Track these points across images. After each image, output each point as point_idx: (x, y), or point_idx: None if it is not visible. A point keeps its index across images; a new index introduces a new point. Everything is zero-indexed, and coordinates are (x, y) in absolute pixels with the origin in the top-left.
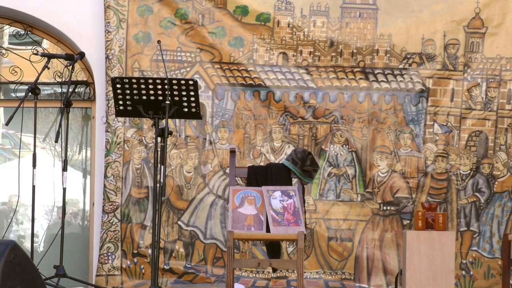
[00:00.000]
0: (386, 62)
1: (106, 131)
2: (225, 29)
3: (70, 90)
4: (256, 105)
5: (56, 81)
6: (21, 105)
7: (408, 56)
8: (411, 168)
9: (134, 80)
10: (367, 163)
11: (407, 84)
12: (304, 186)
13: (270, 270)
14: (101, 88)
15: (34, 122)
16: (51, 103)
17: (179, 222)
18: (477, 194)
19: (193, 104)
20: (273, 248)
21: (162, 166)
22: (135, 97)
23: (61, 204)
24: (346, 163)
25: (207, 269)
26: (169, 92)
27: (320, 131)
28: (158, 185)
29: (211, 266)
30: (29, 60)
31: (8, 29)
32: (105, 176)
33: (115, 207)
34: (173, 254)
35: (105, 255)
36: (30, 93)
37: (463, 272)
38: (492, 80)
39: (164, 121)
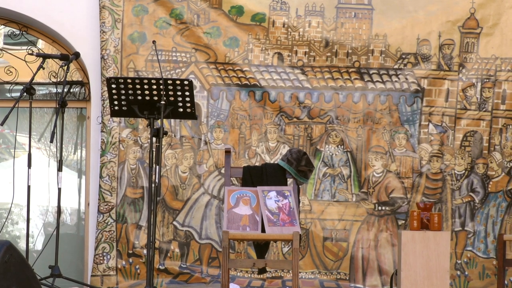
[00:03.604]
0: (381, 62)
1: (101, 131)
2: (220, 29)
3: (65, 90)
4: (251, 105)
5: (51, 81)
6: (16, 105)
7: (403, 56)
8: (406, 168)
9: (129, 80)
10: (362, 163)
11: (402, 84)
12: (299, 186)
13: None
14: (96, 88)
15: (29, 122)
16: (46, 103)
17: (174, 222)
18: (471, 194)
19: (188, 104)
20: (261, 247)
21: (157, 166)
22: (130, 97)
23: (56, 204)
24: (341, 163)
25: (202, 269)
26: (164, 92)
27: (315, 131)
28: (153, 185)
29: (206, 266)
30: (24, 60)
31: (3, 29)
32: (100, 176)
33: (110, 207)
34: (168, 254)
35: (100, 255)
36: (25, 93)
37: (458, 272)
38: (487, 80)
39: (159, 121)
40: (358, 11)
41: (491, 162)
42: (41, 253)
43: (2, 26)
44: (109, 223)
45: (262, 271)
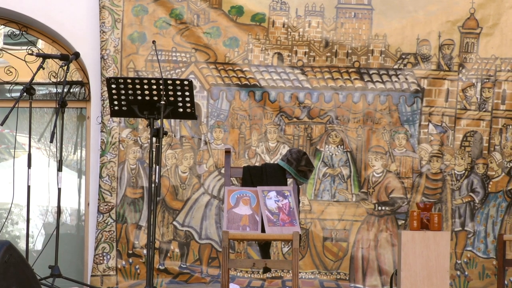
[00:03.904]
0: (381, 63)
1: (101, 131)
2: (220, 29)
3: (65, 90)
4: (251, 105)
5: (51, 81)
6: (16, 105)
7: (403, 56)
8: (406, 168)
9: (129, 80)
10: (362, 163)
11: (402, 85)
12: (299, 186)
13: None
14: (96, 88)
15: (29, 122)
16: (46, 103)
17: (174, 222)
18: (471, 194)
19: (188, 104)
20: (264, 247)
21: (157, 167)
22: (130, 97)
23: (56, 205)
24: (341, 163)
25: (202, 269)
26: (164, 93)
27: (315, 131)
28: (153, 185)
29: (206, 266)
30: (24, 60)
31: (3, 29)
32: (100, 176)
33: (110, 207)
34: (168, 254)
35: (100, 255)
36: (25, 93)
37: (458, 272)
38: (487, 80)
39: (159, 121)
40: (358, 11)
41: (491, 162)
42: (41, 253)
43: (2, 26)
44: (109, 223)
45: (266, 269)
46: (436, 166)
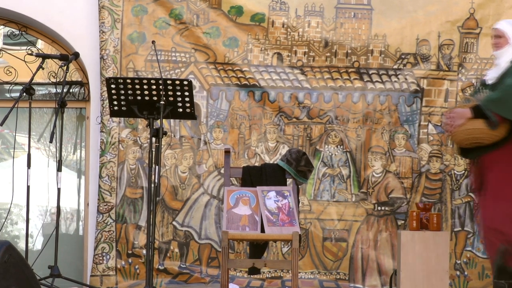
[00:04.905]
0: (380, 63)
1: (101, 131)
2: (220, 30)
3: (65, 90)
4: (250, 106)
5: (50, 82)
6: (16, 106)
7: (403, 56)
8: (406, 169)
9: (128, 80)
10: (361, 163)
11: (401, 85)
12: (299, 186)
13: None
14: (95, 88)
15: (28, 122)
16: (45, 104)
17: (174, 223)
18: (471, 194)
19: (188, 105)
20: (256, 248)
21: (157, 167)
22: (129, 97)
23: (55, 205)
24: (340, 163)
25: (201, 269)
26: (164, 93)
27: (314, 131)
28: (152, 185)
29: (206, 267)
30: (24, 60)
31: (2, 29)
32: (100, 177)
33: (109, 207)
34: (168, 254)
35: (99, 255)
36: (24, 94)
37: (458, 273)
38: None
39: (158, 121)
40: (357, 11)
41: None
42: (40, 253)
43: (2, 26)
44: (108, 223)
45: (252, 271)
46: (435, 166)
